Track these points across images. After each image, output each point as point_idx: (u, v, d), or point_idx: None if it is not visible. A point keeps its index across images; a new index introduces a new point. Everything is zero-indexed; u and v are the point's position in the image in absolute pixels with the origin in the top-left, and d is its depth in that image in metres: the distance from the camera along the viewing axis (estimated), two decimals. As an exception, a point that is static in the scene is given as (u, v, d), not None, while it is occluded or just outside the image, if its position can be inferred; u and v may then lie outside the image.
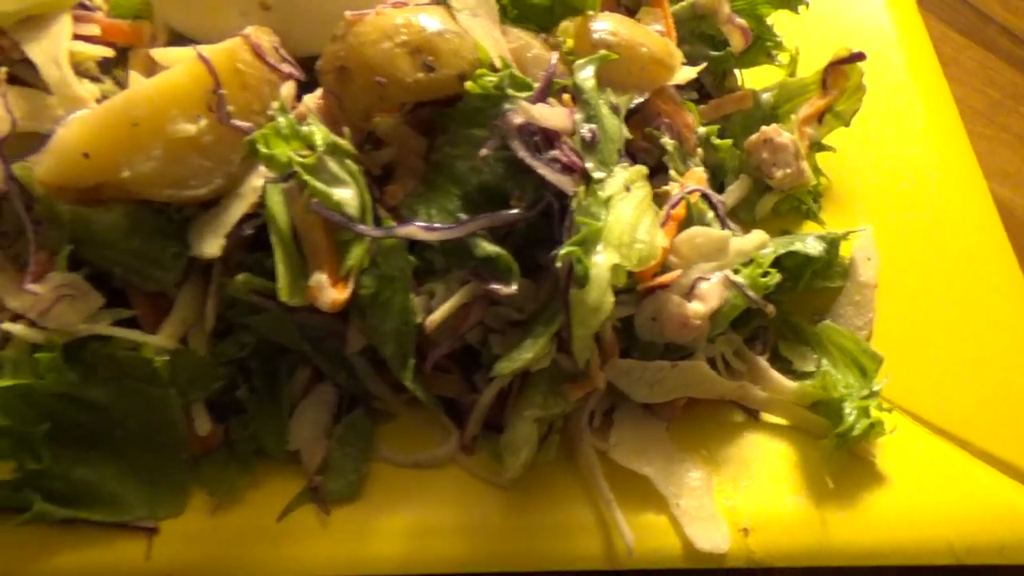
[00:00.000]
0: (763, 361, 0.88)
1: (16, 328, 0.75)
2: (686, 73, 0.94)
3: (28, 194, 0.78)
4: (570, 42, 0.90)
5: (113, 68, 0.89)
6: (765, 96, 1.06)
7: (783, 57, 1.11)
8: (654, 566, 0.79)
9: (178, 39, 0.87)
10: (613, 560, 0.78)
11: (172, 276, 0.79)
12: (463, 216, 0.78)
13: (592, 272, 0.72)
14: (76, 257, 0.78)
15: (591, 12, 0.90)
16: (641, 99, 0.89)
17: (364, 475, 0.81)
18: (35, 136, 0.80)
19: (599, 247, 0.74)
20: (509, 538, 0.79)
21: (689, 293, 0.81)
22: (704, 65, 0.95)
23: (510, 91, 0.76)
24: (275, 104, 0.77)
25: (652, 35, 0.92)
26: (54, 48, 0.80)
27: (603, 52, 0.85)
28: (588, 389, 0.80)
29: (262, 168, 0.76)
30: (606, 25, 0.89)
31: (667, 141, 0.91)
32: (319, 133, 0.75)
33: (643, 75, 0.90)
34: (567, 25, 0.92)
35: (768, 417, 0.88)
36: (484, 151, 0.75)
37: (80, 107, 0.78)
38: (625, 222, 0.76)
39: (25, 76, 0.85)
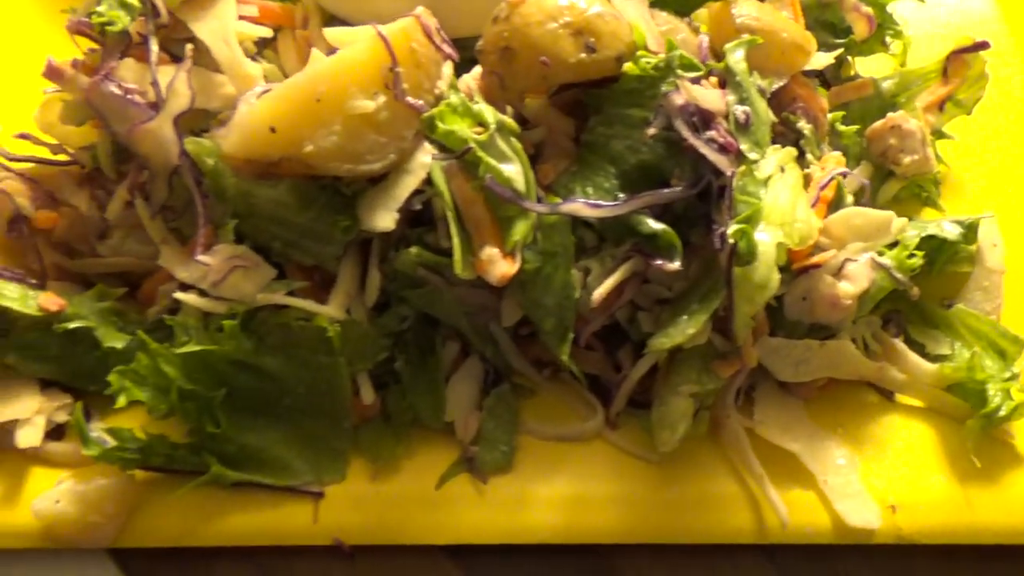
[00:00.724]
0: (900, 343, 0.89)
1: (190, 297, 0.78)
2: (821, 59, 0.95)
3: (197, 169, 0.80)
4: (704, 28, 0.92)
5: (263, 49, 0.92)
6: (885, 84, 1.07)
7: (896, 46, 1.12)
8: (804, 541, 0.80)
9: (330, 21, 0.89)
10: (765, 534, 0.80)
11: (334, 250, 0.81)
12: (620, 195, 0.79)
13: (759, 249, 0.73)
14: (236, 231, 0.81)
15: (732, -3, 0.92)
16: (781, 83, 0.91)
17: (515, 447, 0.83)
18: (201, 113, 0.84)
19: (761, 226, 0.76)
20: (661, 510, 0.80)
21: (837, 273, 0.82)
22: (840, 51, 0.96)
23: (679, 72, 0.77)
24: (443, 82, 0.79)
25: (790, 21, 0.93)
26: (222, 27, 0.83)
27: (750, 36, 0.86)
28: (739, 366, 0.81)
29: (427, 144, 0.78)
30: (749, 10, 0.90)
31: (804, 125, 0.92)
32: (488, 111, 0.77)
33: (782, 60, 0.91)
34: (701, 12, 0.93)
35: (902, 398, 0.90)
36: (652, 131, 0.77)
37: (251, 85, 0.81)
38: (784, 202, 0.78)
39: (183, 55, 0.87)
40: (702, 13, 0.93)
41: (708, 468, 0.83)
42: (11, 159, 0.90)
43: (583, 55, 0.79)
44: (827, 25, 1.06)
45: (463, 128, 0.74)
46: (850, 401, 0.89)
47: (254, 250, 0.81)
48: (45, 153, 0.92)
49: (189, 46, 0.81)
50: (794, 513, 0.80)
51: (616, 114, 0.81)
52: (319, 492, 0.79)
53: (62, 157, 0.90)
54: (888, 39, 1.11)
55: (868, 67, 1.12)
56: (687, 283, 0.82)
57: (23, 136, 0.91)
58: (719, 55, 0.86)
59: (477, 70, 0.84)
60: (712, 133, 0.79)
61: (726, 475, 0.82)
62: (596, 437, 0.85)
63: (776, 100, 0.93)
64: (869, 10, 1.05)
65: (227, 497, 0.78)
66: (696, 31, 0.90)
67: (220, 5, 0.84)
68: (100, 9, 0.81)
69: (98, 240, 0.88)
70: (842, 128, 0.99)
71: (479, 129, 0.76)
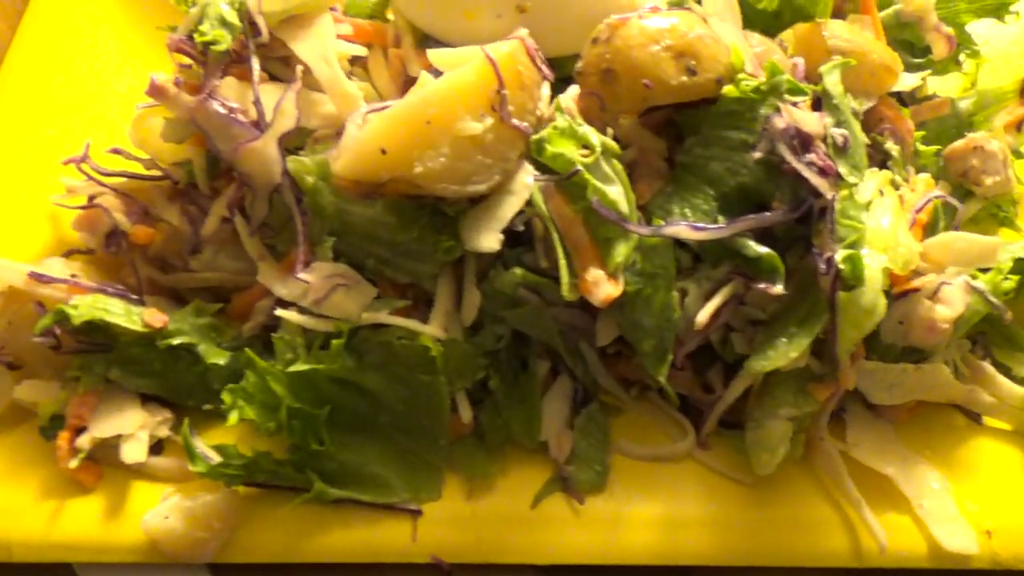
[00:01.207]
0: (989, 366, 0.89)
1: (293, 315, 0.78)
2: (908, 80, 0.95)
3: (298, 187, 0.81)
4: (791, 49, 0.92)
5: (352, 67, 0.93)
6: (962, 103, 1.07)
7: (969, 64, 1.12)
8: (899, 565, 0.80)
9: (424, 40, 0.90)
10: (861, 558, 0.80)
11: (430, 268, 0.82)
12: (720, 216, 0.80)
13: (866, 274, 0.73)
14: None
15: (821, 19, 0.92)
16: (870, 104, 0.91)
17: (608, 466, 0.83)
18: (298, 131, 0.84)
19: (866, 250, 0.76)
20: (757, 533, 0.80)
21: (933, 297, 0.82)
22: (928, 72, 0.96)
23: (787, 96, 0.77)
24: (543, 103, 0.80)
25: (878, 42, 0.94)
26: (322, 47, 0.83)
27: (842, 59, 0.86)
28: (835, 389, 0.81)
29: (528, 165, 0.79)
30: (840, 32, 0.90)
31: (891, 146, 0.92)
32: (592, 133, 0.77)
33: (872, 81, 0.91)
34: (787, 33, 0.93)
35: (990, 421, 0.89)
36: (757, 154, 0.77)
37: (352, 105, 0.81)
38: (887, 226, 0.78)
39: (280, 73, 0.88)
40: (788, 34, 0.93)
41: (801, 490, 0.83)
42: (104, 174, 0.91)
43: (684, 78, 0.79)
44: (905, 44, 1.06)
45: (571, 151, 0.75)
46: (937, 424, 0.89)
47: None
48: (137, 168, 0.93)
49: (300, 67, 0.81)
50: (889, 537, 0.80)
51: (714, 136, 0.81)
52: (417, 510, 0.79)
53: (154, 172, 0.91)
54: (962, 58, 1.11)
55: (937, 86, 1.12)
56: (780, 304, 0.82)
57: (115, 151, 0.93)
58: (810, 77, 0.86)
59: (573, 90, 0.84)
60: (812, 156, 0.79)
61: (820, 498, 0.82)
62: (687, 457, 0.85)
63: (864, 122, 0.93)
64: (949, 30, 1.05)
65: (327, 514, 0.78)
66: (786, 52, 0.91)
67: (319, 24, 0.85)
68: (203, 28, 0.82)
69: (190, 255, 0.89)
70: (922, 148, 0.99)
71: (585, 151, 0.76)
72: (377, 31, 0.92)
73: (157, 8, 1.12)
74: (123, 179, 0.91)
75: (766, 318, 0.83)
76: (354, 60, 0.92)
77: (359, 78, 0.90)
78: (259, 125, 0.81)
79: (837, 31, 0.91)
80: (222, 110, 0.80)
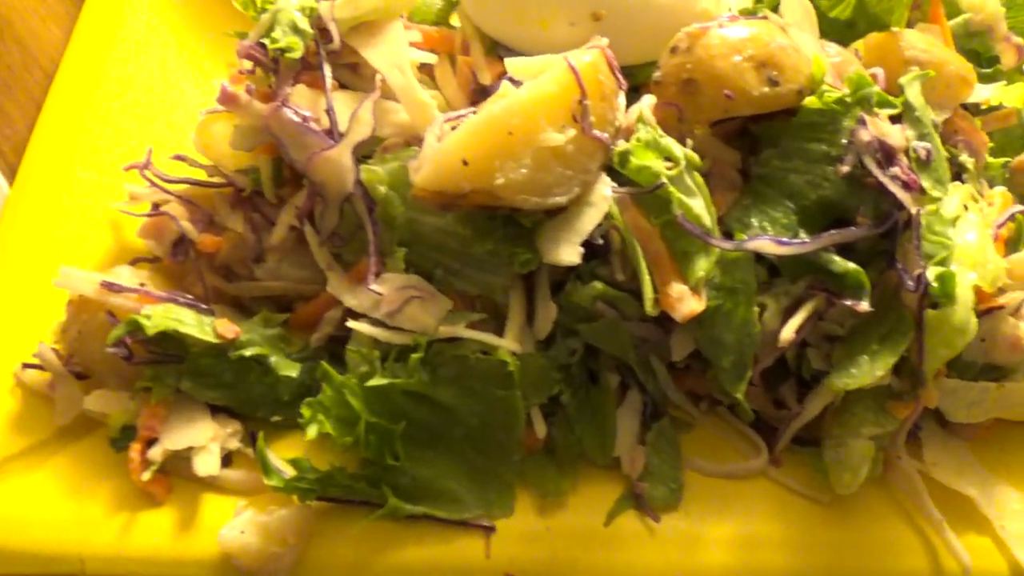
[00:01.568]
0: (1066, 384, 0.87)
1: (368, 328, 0.77)
2: (983, 92, 0.93)
3: (370, 197, 0.80)
4: (865, 58, 0.90)
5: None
6: (1030, 115, 1.05)
7: (1033, 74, 1.10)
8: (982, 588, 0.79)
9: (493, 47, 0.89)
10: (942, 580, 0.78)
11: (502, 280, 0.80)
12: (800, 230, 0.78)
13: (958, 292, 0.72)
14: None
15: (897, 28, 0.90)
16: (945, 116, 0.89)
17: (682, 483, 0.82)
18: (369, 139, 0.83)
19: (955, 267, 0.74)
20: (835, 553, 0.79)
21: (1016, 314, 0.81)
22: (1003, 83, 0.94)
23: (876, 109, 0.76)
24: (621, 113, 0.78)
25: (954, 52, 0.92)
26: (396, 54, 0.82)
27: (922, 71, 0.84)
28: (915, 407, 0.80)
29: (606, 176, 0.78)
30: (917, 42, 0.89)
31: (966, 159, 0.90)
32: (675, 145, 0.76)
33: (947, 92, 0.89)
34: (859, 42, 0.92)
35: (1066, 441, 0.88)
36: (845, 168, 0.76)
37: (426, 114, 0.80)
38: (974, 242, 0.76)
39: (348, 81, 0.87)
40: (860, 43, 0.92)
41: (878, 510, 0.81)
42: (168, 181, 0.90)
43: (766, 88, 0.77)
44: (972, 54, 1.05)
45: (655, 163, 0.73)
46: (1013, 442, 0.87)
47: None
48: (200, 174, 0.92)
49: (379, 76, 0.80)
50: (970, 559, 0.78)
51: (795, 148, 0.79)
52: (491, 526, 0.78)
53: (218, 179, 0.90)
54: (1028, 68, 1.09)
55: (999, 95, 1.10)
56: (858, 319, 0.81)
57: (179, 158, 0.92)
58: (889, 88, 0.85)
59: (649, 99, 0.83)
60: (895, 170, 0.77)
61: (898, 518, 0.81)
62: (760, 474, 0.83)
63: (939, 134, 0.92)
64: (1020, 40, 1.03)
65: (399, 529, 0.77)
66: (860, 61, 0.89)
67: (391, 31, 0.84)
68: (275, 35, 0.81)
69: (253, 263, 0.88)
70: (990, 160, 0.97)
71: (668, 164, 0.75)
72: (444, 37, 0.91)
73: (211, 10, 1.11)
74: (187, 186, 0.90)
75: (843, 333, 0.81)
76: (420, 67, 0.91)
77: (426, 86, 0.88)
78: (332, 134, 0.80)
79: (913, 41, 0.89)
80: (296, 119, 0.79)
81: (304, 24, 0.82)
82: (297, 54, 0.80)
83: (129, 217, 0.91)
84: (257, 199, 0.89)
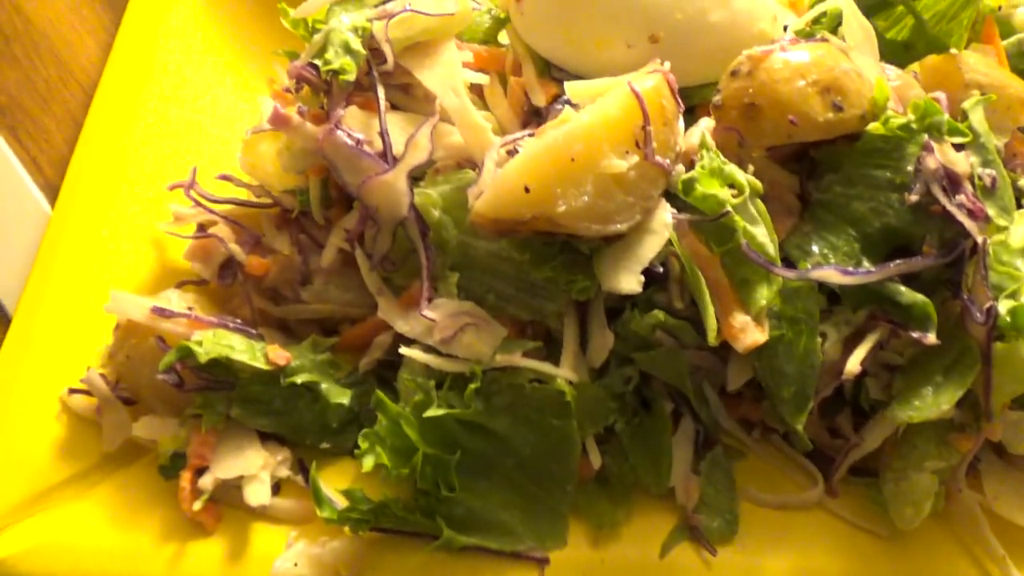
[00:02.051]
0: None
1: (422, 355, 0.76)
2: (1041, 114, 0.91)
3: (423, 221, 0.79)
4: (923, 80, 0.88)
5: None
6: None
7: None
8: (1047, 625, 0.77)
9: (545, 67, 0.87)
10: (1006, 616, 0.77)
11: (556, 307, 0.79)
12: (864, 258, 0.76)
13: (1028, 325, 0.70)
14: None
15: (956, 50, 0.88)
16: (1005, 140, 0.87)
17: (737, 515, 0.80)
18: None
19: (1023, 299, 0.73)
20: (896, 588, 0.78)
21: (1080, 346, 0.79)
22: (1063, 106, 0.92)
23: (947, 136, 0.74)
24: (681, 137, 0.77)
25: (1012, 74, 0.90)
26: (450, 76, 0.81)
27: (984, 94, 0.83)
28: (977, 441, 0.78)
29: (666, 203, 0.76)
30: (977, 64, 0.87)
31: (1025, 184, 0.88)
32: (739, 172, 0.74)
33: (1007, 115, 0.87)
34: (916, 64, 0.90)
35: None
36: (914, 197, 0.74)
37: (482, 136, 0.79)
38: (1043, 273, 0.74)
39: (400, 102, 0.86)
40: (916, 65, 0.90)
41: (938, 544, 0.79)
42: (214, 201, 0.89)
43: (831, 114, 0.76)
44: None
45: (722, 192, 0.72)
46: (1071, 474, 0.86)
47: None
48: (245, 194, 0.90)
49: (438, 101, 0.79)
50: (1035, 597, 0.77)
51: (858, 174, 0.78)
52: (544, 558, 0.77)
53: (264, 199, 0.89)
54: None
55: None
56: (918, 350, 0.79)
57: (224, 177, 0.90)
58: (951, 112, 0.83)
59: (707, 123, 0.81)
60: (961, 198, 0.76)
61: (959, 553, 0.79)
62: (817, 505, 0.82)
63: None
64: (1075, 61, 1.01)
65: (453, 561, 0.76)
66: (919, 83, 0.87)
67: (445, 52, 0.82)
68: (328, 56, 0.80)
69: (300, 285, 0.87)
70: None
71: (732, 191, 0.73)
72: (494, 57, 0.90)
73: (253, 24, 1.10)
74: (233, 206, 0.89)
75: (903, 363, 0.80)
76: (470, 87, 0.89)
77: (477, 106, 0.87)
78: (385, 156, 0.79)
79: (973, 63, 0.87)
80: (350, 142, 0.78)
81: (357, 44, 0.81)
82: (351, 76, 0.79)
83: (173, 237, 0.90)
84: (304, 220, 0.88)
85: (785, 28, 0.88)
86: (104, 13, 1.18)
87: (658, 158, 0.74)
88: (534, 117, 0.85)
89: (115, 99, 1.01)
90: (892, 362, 0.80)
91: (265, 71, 1.02)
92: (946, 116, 0.75)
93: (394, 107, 0.85)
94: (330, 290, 0.86)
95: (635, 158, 0.72)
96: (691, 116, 0.84)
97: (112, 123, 0.99)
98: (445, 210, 0.79)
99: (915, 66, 0.90)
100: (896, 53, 0.91)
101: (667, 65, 0.76)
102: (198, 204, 0.88)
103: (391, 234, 0.80)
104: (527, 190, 0.70)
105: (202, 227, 0.87)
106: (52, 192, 1.00)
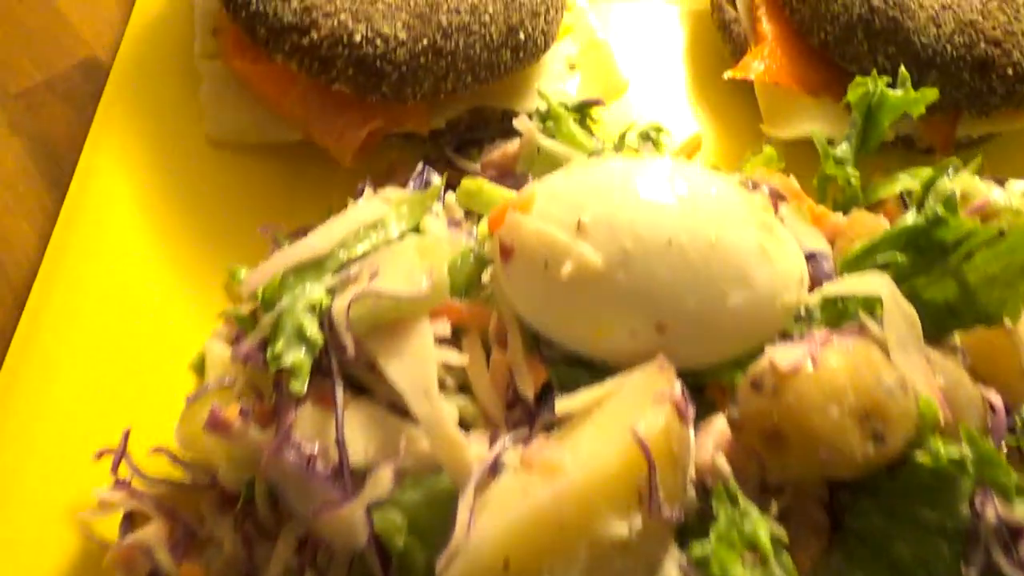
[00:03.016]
0: None
1: None
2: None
3: (385, 552, 0.66)
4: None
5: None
6: None
7: None
8: None
9: (535, 342, 0.75)
10: None
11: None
12: (907, 614, 0.65)
13: None
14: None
15: (1010, 324, 0.77)
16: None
17: None
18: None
19: None
20: None
21: None
22: None
23: (1003, 481, 0.63)
24: (692, 457, 0.65)
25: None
26: (421, 373, 0.68)
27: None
28: None
29: (674, 551, 0.64)
30: (1036, 342, 0.75)
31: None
32: (763, 527, 0.62)
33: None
34: (962, 336, 0.78)
35: None
36: (973, 571, 0.62)
37: (458, 456, 0.66)
38: None
39: (365, 381, 0.73)
40: (963, 337, 0.78)
41: None
42: (146, 479, 0.76)
43: (871, 448, 0.64)
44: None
45: (738, 570, 0.59)
46: None
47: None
48: (181, 474, 0.78)
49: (403, 439, 0.66)
50: None
51: (902, 509, 0.66)
52: None
53: (203, 479, 0.76)
54: None
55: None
56: None
57: (159, 450, 0.78)
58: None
59: (719, 428, 0.69)
60: (1022, 553, 0.64)
61: None
62: None
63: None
64: None
65: None
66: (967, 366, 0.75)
67: (415, 337, 0.70)
68: (278, 348, 0.67)
69: (244, 585, 0.74)
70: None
71: (752, 556, 0.61)
72: (475, 315, 0.77)
73: (201, 253, 0.97)
74: (167, 488, 0.76)
75: None
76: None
77: (453, 383, 0.75)
78: (342, 472, 0.67)
79: (1032, 340, 0.76)
80: (299, 461, 0.65)
81: (313, 329, 0.69)
82: (301, 384, 0.66)
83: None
84: (251, 506, 0.75)
85: (811, 287, 0.77)
86: (47, 195, 1.06)
87: (665, 509, 0.61)
88: (521, 405, 0.73)
89: (45, 319, 0.88)
90: None
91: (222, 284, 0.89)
92: (1015, 480, 0.63)
93: (356, 388, 0.73)
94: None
95: (638, 518, 0.60)
96: (700, 397, 0.72)
97: (35, 355, 0.86)
98: (412, 530, 0.67)
99: (962, 338, 0.78)
100: (937, 317, 0.79)
101: (677, 390, 0.64)
102: (124, 487, 0.75)
103: (346, 566, 0.67)
104: (506, 567, 0.58)
105: (128, 520, 0.74)
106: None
